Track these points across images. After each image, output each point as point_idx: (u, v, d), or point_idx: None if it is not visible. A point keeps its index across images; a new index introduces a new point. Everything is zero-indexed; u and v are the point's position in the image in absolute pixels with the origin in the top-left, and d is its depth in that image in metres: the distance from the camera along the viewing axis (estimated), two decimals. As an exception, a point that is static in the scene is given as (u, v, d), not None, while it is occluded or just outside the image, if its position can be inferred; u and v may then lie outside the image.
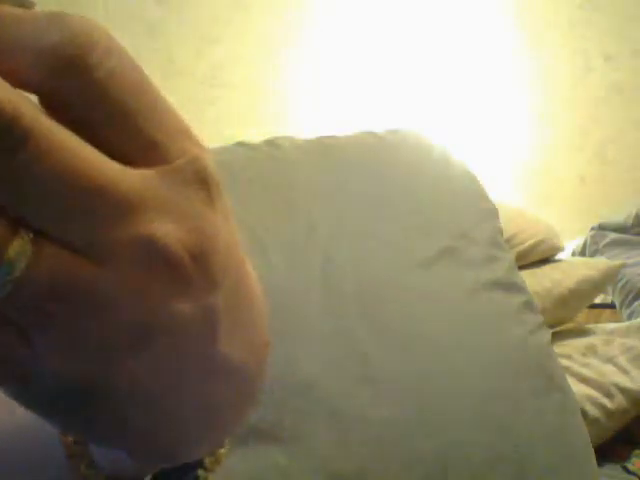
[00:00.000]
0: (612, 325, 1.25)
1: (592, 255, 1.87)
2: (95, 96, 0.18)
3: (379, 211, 0.86)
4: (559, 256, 1.35)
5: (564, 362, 1.04)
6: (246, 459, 0.64)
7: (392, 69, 2.45)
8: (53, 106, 0.18)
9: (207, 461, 0.29)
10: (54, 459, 0.30)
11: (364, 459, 0.65)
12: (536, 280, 1.17)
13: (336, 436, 0.66)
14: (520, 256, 1.18)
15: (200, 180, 0.20)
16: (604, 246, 1.87)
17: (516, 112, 2.51)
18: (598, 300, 1.75)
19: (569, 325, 1.27)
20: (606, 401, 0.99)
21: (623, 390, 1.01)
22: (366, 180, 0.90)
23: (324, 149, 0.95)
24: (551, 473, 0.68)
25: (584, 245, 1.95)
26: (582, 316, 1.48)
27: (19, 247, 0.17)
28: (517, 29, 2.53)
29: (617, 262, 1.30)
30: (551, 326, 1.13)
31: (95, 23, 0.21)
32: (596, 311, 1.77)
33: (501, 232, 0.92)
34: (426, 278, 0.80)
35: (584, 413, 0.94)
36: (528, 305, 0.82)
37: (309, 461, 0.65)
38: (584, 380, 1.02)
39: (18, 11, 0.19)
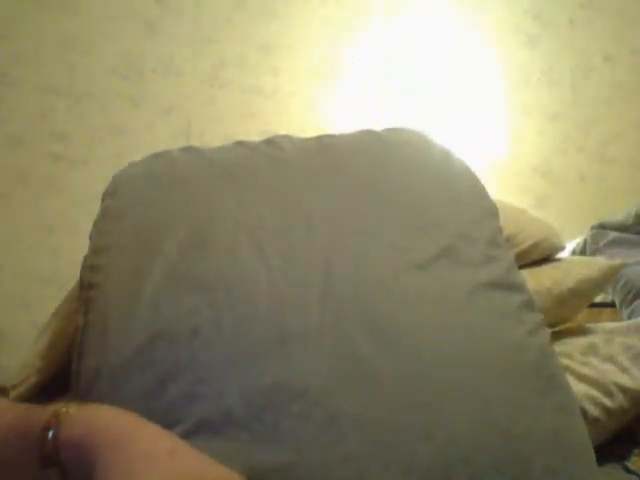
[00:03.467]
0: (612, 324, 1.24)
1: (592, 254, 1.87)
2: None
3: (378, 211, 0.86)
4: (559, 255, 1.34)
5: (564, 361, 1.03)
6: (245, 462, 0.64)
7: (391, 68, 2.45)
8: None
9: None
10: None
11: (363, 462, 0.65)
12: (536, 279, 1.17)
13: (335, 439, 0.66)
14: (520, 255, 1.18)
15: None
16: (604, 245, 1.87)
17: (516, 112, 2.51)
18: (598, 299, 1.74)
19: (569, 324, 1.27)
20: (606, 400, 0.99)
21: (623, 389, 1.01)
22: (365, 179, 0.90)
23: (324, 149, 0.95)
24: (551, 473, 0.68)
25: (584, 244, 1.94)
26: (582, 315, 1.48)
27: None
28: (517, 29, 2.53)
29: (617, 262, 1.30)
30: (551, 325, 1.13)
31: None
32: (596, 310, 1.77)
33: (501, 231, 0.92)
34: (425, 278, 0.80)
35: (584, 412, 0.94)
36: (528, 304, 0.82)
37: (308, 464, 0.65)
38: (584, 379, 1.02)
39: None
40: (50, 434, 0.51)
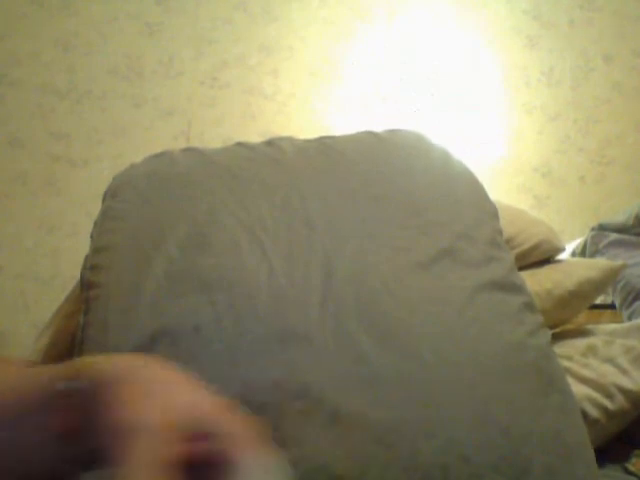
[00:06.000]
0: (612, 326, 1.24)
1: (592, 256, 1.87)
2: None
3: (379, 211, 0.86)
4: (560, 257, 1.34)
5: (564, 363, 1.03)
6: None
7: (391, 69, 2.45)
8: None
9: None
10: None
11: (364, 461, 0.65)
12: (536, 281, 1.17)
13: (336, 438, 0.66)
14: (520, 257, 1.18)
15: None
16: (604, 246, 1.86)
17: (516, 112, 2.51)
18: (598, 301, 1.74)
19: (569, 326, 1.27)
20: (606, 402, 0.99)
21: (624, 391, 1.01)
22: (366, 180, 0.90)
23: (324, 149, 0.95)
24: (551, 474, 0.68)
25: (584, 246, 1.94)
26: (582, 317, 1.48)
27: None
28: (517, 30, 2.53)
29: (618, 263, 1.30)
30: (551, 327, 1.13)
31: None
32: (596, 312, 1.76)
33: (501, 233, 0.92)
34: (426, 278, 0.80)
35: (584, 414, 0.93)
36: (528, 306, 0.82)
37: (309, 463, 0.65)
38: (584, 381, 1.01)
39: None
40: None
